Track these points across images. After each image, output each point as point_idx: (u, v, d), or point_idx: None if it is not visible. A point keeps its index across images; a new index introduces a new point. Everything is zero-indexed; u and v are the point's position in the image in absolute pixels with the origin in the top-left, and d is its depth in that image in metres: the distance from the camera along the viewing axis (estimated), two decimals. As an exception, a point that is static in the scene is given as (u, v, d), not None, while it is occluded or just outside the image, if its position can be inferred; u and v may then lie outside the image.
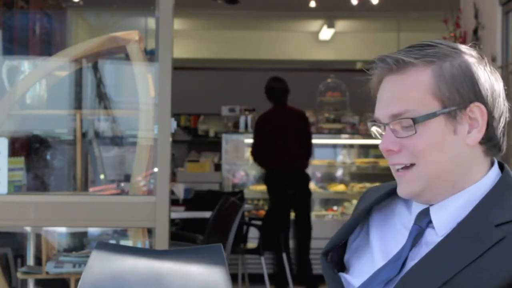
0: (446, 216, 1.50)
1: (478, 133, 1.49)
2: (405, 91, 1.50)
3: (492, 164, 1.56)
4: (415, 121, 1.48)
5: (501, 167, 1.58)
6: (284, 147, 7.66)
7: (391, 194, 1.62)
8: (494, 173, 1.54)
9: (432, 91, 1.48)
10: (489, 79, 1.51)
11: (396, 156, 1.52)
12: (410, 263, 1.48)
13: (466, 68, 1.49)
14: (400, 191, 1.54)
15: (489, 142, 1.52)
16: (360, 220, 1.62)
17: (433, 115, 1.48)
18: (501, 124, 1.53)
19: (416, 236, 1.51)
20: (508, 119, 1.56)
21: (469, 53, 1.52)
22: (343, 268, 1.64)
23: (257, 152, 7.84)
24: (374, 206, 1.63)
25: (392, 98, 1.51)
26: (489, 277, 1.39)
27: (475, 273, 1.40)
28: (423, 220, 1.52)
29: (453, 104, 1.48)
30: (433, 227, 1.51)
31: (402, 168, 1.52)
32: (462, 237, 1.45)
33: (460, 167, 1.50)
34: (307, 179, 7.83)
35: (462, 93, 1.48)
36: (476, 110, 1.49)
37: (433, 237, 1.50)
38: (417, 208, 1.55)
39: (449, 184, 1.50)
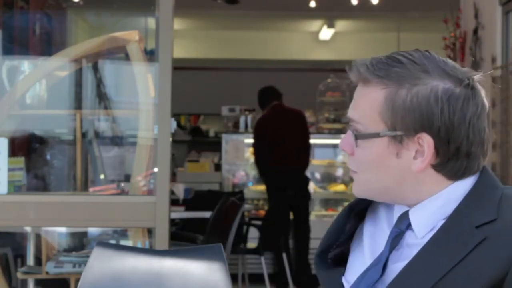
0: (425, 218, 1.51)
1: (422, 163, 1.49)
2: (361, 104, 1.54)
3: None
4: (357, 137, 1.52)
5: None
6: (283, 147, 7.66)
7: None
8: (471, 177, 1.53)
9: (378, 112, 1.50)
10: (453, 111, 1.47)
11: (350, 158, 1.57)
12: (392, 266, 1.50)
13: (421, 98, 1.47)
14: (353, 190, 1.59)
15: (447, 169, 1.50)
16: (349, 219, 1.63)
17: (375, 135, 1.50)
18: (465, 154, 1.49)
19: (394, 239, 1.52)
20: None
21: (440, 78, 1.48)
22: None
23: (260, 157, 7.84)
24: (368, 208, 1.64)
25: (353, 104, 1.56)
26: (475, 278, 1.41)
27: (461, 276, 1.41)
28: (403, 223, 1.53)
29: (398, 130, 1.49)
30: (413, 230, 1.52)
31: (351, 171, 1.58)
32: (445, 241, 1.46)
33: (405, 186, 1.51)
34: (306, 180, 7.83)
35: (407, 122, 1.48)
36: (424, 139, 1.48)
37: (413, 240, 1.52)
38: (398, 211, 1.56)
39: (398, 197, 1.53)
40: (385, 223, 1.59)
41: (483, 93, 1.52)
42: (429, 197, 1.51)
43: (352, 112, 1.55)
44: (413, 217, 1.52)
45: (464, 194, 1.51)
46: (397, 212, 1.56)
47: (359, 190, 1.56)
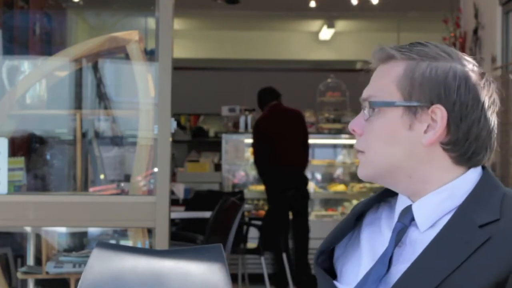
0: (428, 212, 1.52)
1: (434, 135, 1.50)
2: (378, 80, 1.56)
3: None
4: (372, 104, 1.53)
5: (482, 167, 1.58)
6: (282, 147, 7.66)
7: (379, 200, 1.64)
8: (474, 173, 1.54)
9: (396, 83, 1.53)
10: (468, 91, 1.50)
11: (358, 139, 1.57)
12: (394, 267, 1.50)
13: (441, 71, 1.51)
14: (358, 173, 1.59)
15: (455, 150, 1.51)
16: (350, 227, 1.63)
17: (390, 103, 1.52)
18: (475, 137, 1.51)
19: (399, 232, 1.52)
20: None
21: (459, 62, 1.52)
22: (333, 274, 1.64)
23: (259, 157, 7.84)
24: (366, 213, 1.64)
25: (370, 83, 1.58)
26: (479, 277, 1.41)
27: (465, 275, 1.41)
28: (406, 217, 1.53)
29: (414, 100, 1.51)
30: (416, 225, 1.52)
31: (359, 152, 1.58)
32: (448, 240, 1.46)
33: (414, 162, 1.52)
34: (305, 180, 7.83)
35: (424, 91, 1.50)
36: (438, 112, 1.50)
37: (416, 235, 1.52)
38: (400, 206, 1.57)
39: (405, 175, 1.53)
40: (385, 226, 1.59)
41: (495, 89, 1.55)
42: (432, 186, 1.52)
43: (368, 89, 1.57)
44: (416, 211, 1.53)
45: (467, 192, 1.51)
46: (399, 207, 1.57)
47: (366, 170, 1.56)
